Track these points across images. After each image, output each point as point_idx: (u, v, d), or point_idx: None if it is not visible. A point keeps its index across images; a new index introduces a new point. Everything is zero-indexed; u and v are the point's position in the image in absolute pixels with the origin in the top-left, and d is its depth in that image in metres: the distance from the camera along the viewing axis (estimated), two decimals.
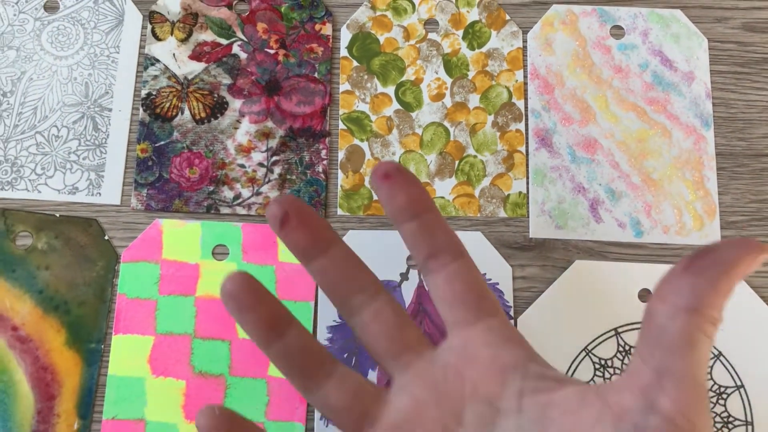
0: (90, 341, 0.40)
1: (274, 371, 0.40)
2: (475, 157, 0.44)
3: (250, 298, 0.26)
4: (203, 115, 0.44)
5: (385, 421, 0.27)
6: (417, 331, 0.28)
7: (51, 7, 0.46)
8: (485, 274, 0.42)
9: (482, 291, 0.28)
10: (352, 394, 0.27)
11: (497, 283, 0.42)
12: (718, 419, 0.40)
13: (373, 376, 0.40)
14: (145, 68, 0.44)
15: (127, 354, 0.40)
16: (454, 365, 0.27)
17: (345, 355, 0.40)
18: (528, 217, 0.43)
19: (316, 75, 0.44)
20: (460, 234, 0.38)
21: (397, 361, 0.28)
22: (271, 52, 0.45)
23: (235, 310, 0.26)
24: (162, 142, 0.43)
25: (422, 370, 0.27)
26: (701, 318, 0.21)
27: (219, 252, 0.42)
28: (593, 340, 0.41)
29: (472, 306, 0.27)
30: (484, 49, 0.46)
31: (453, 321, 0.28)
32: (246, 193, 0.43)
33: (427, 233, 0.28)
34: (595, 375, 0.40)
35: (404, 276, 0.42)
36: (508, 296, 0.41)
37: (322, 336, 0.41)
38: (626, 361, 0.41)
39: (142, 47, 0.45)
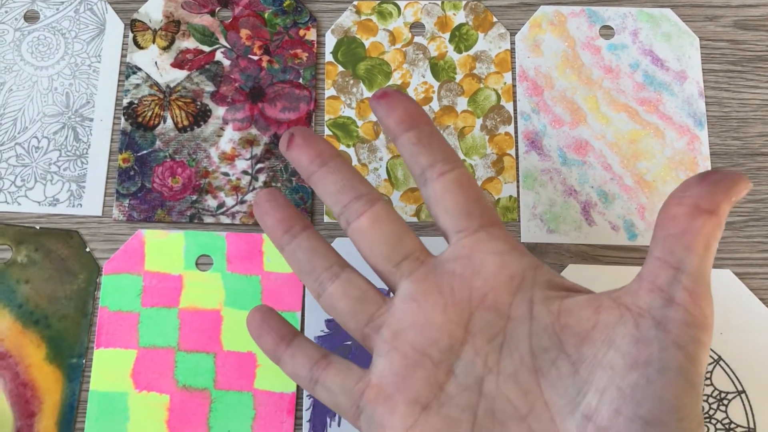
0: (71, 356, 0.39)
1: (260, 384, 0.39)
2: (464, 161, 0.43)
3: (269, 206, 0.29)
4: (186, 123, 0.43)
5: (390, 327, 0.27)
6: (417, 240, 0.29)
7: (31, 17, 0.45)
8: None
9: (482, 199, 0.28)
10: (356, 299, 0.28)
11: None
12: (719, 426, 0.38)
13: None
14: (127, 77, 0.44)
15: (109, 368, 0.39)
16: (460, 274, 0.27)
17: None
18: (519, 221, 0.42)
19: (300, 81, 0.44)
20: None
21: (398, 269, 0.28)
22: (255, 58, 0.44)
23: (257, 215, 0.30)
24: (144, 152, 0.42)
25: (425, 279, 0.27)
26: (717, 220, 0.23)
27: (203, 262, 0.41)
28: None
29: (475, 214, 0.28)
30: (471, 52, 0.45)
31: (455, 229, 0.28)
32: (230, 201, 0.42)
33: (424, 143, 0.28)
34: None
35: None
36: None
37: None
38: None
39: (123, 56, 0.44)
